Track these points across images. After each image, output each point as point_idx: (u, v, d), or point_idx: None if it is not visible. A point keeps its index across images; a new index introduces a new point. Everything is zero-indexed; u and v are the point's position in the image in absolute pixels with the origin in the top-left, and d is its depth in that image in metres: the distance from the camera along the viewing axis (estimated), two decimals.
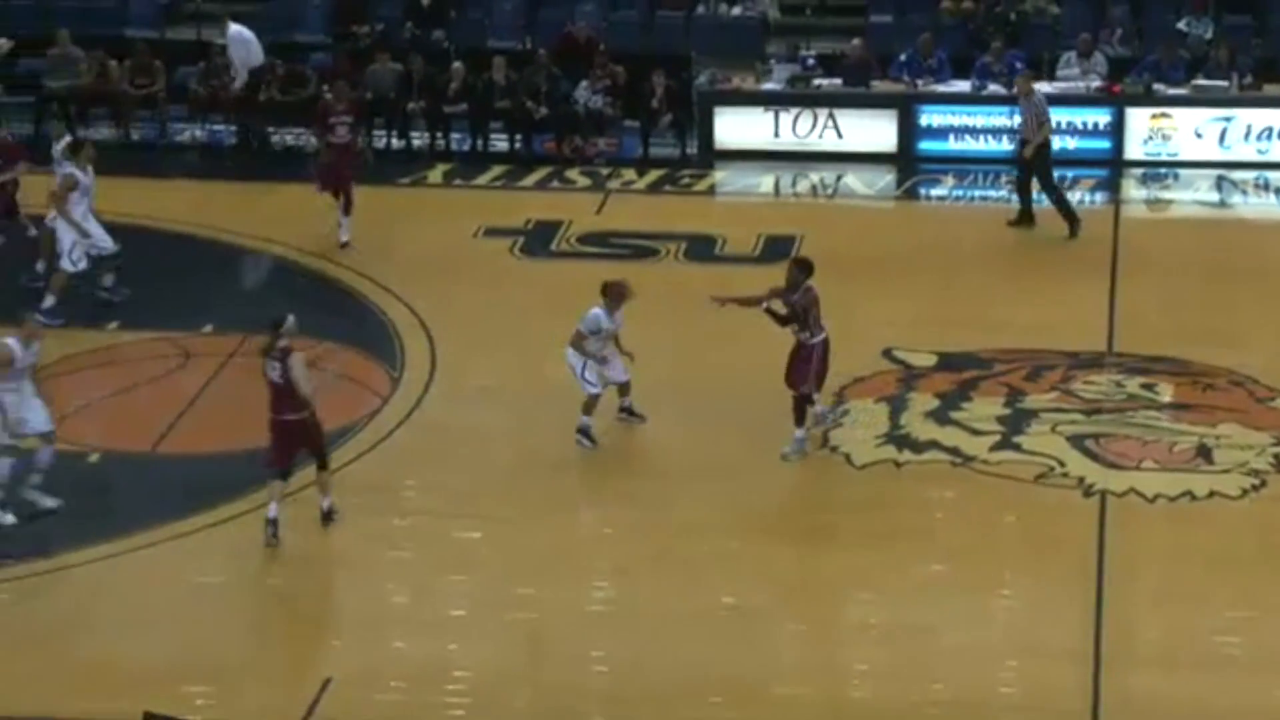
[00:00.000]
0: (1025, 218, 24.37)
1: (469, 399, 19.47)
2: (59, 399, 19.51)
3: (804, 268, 18.54)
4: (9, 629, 16.05)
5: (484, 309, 21.53)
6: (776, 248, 23.57)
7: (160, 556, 17.02)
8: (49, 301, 21.31)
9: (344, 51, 28.22)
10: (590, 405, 18.69)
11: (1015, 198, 24.60)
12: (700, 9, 29.79)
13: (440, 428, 19.09)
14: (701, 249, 23.81)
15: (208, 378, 19.88)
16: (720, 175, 26.77)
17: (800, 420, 18.60)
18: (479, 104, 27.05)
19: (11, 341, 17.37)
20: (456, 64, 27.30)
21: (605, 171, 26.47)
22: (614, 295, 18.55)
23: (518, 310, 21.81)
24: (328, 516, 17.42)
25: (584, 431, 18.69)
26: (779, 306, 18.49)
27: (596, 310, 18.51)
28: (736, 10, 29.75)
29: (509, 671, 15.42)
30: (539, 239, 24.09)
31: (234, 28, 27.33)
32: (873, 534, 17.33)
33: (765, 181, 26.44)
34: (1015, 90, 25.07)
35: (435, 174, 26.53)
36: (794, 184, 26.47)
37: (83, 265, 21.53)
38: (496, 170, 26.58)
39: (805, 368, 18.41)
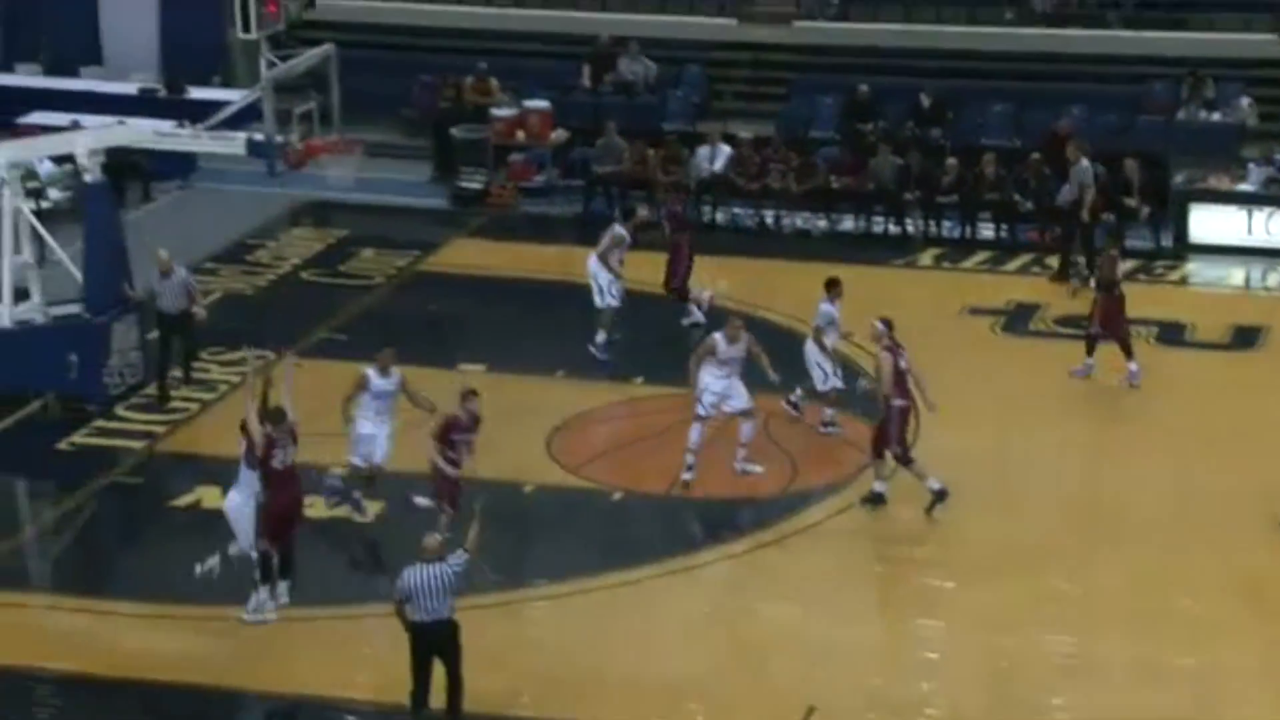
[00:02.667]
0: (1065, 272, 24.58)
1: (946, 461, 19.14)
2: (592, 443, 20.09)
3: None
4: (534, 640, 16.48)
5: (965, 379, 21.21)
6: (1245, 336, 22.70)
7: (671, 586, 17.27)
8: (600, 336, 22.09)
9: (850, 146, 28.33)
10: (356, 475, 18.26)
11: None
12: (1180, 114, 28.90)
13: (918, 487, 18.81)
14: (1172, 334, 23.05)
15: (716, 430, 20.01)
16: (1193, 267, 25.85)
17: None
18: (970, 195, 26.78)
19: (369, 371, 18.01)
20: (951, 159, 27.10)
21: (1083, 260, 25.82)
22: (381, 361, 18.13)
23: (997, 382, 21.49)
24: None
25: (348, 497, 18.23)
26: None
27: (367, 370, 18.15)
28: (1216, 116, 28.78)
29: (975, 713, 15.09)
30: (1019, 319, 23.69)
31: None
32: None
33: (1236, 274, 25.47)
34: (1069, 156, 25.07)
35: (926, 257, 26.33)
36: (1264, 277, 25.39)
37: (616, 302, 22.24)
38: (983, 255, 26.22)
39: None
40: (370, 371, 18.04)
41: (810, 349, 19.87)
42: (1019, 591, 16.90)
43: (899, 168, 27.19)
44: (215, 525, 17.06)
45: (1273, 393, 20.95)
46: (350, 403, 17.98)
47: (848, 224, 27.39)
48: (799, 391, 20.29)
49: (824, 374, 19.80)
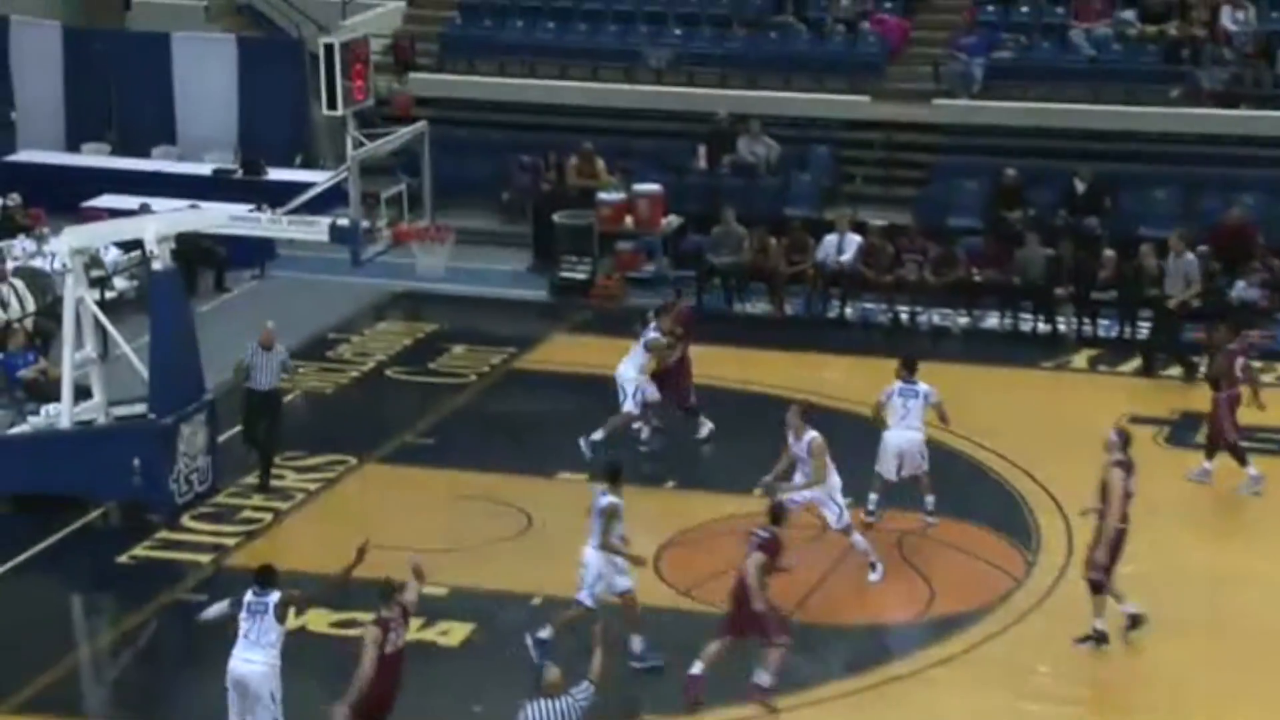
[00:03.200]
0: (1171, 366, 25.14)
1: None
2: (705, 561, 19.89)
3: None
4: None
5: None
6: None
7: None
8: (599, 435, 22.05)
9: (995, 235, 28.12)
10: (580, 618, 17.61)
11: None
12: None
13: (1073, 613, 18.40)
14: None
15: (843, 549, 19.77)
16: None
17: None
18: (1129, 291, 26.44)
19: (612, 499, 17.66)
20: (1109, 251, 26.82)
21: (1258, 364, 25.35)
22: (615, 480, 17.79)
23: (1162, 499, 21.06)
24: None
25: (539, 643, 17.66)
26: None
27: (609, 498, 17.57)
28: None
29: None
30: (1185, 429, 23.30)
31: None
32: None
33: None
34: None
35: (1080, 359, 26.02)
36: None
37: (639, 410, 22.27)
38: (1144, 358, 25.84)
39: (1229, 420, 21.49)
40: (612, 499, 17.64)
41: (918, 437, 20.38)
42: None
43: (1049, 259, 26.97)
44: (287, 647, 16.94)
45: None
46: (610, 536, 17.59)
47: (991, 321, 27.21)
48: (929, 500, 20.41)
49: (921, 458, 20.47)
